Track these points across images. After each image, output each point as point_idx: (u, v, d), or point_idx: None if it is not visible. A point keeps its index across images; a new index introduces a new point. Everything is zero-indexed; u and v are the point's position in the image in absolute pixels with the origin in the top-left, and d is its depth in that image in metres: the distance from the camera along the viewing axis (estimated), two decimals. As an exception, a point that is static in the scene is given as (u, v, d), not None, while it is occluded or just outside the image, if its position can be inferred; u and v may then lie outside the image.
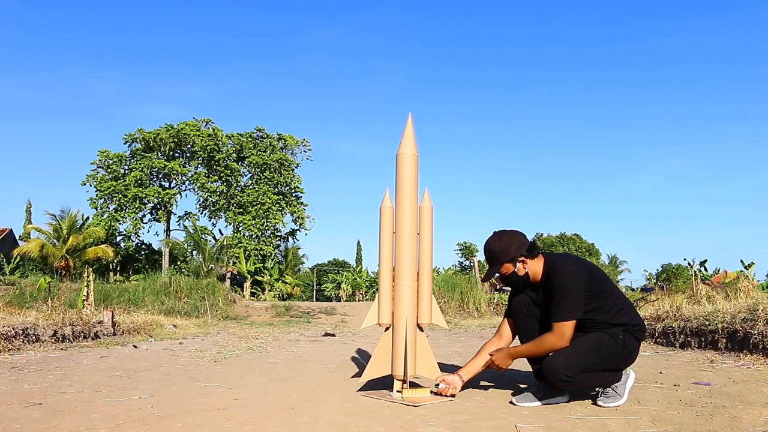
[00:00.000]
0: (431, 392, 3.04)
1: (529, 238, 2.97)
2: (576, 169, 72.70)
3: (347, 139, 72.18)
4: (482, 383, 3.48)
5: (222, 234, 35.60)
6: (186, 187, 37.33)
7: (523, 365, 4.24)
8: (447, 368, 4.10)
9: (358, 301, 34.46)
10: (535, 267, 2.91)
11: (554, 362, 2.70)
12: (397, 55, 72.54)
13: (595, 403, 2.77)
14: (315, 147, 47.78)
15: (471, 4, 73.70)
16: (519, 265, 2.89)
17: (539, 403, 2.79)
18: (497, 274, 2.94)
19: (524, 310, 2.99)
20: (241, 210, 36.04)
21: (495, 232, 2.95)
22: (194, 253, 31.27)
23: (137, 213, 35.52)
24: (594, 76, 70.62)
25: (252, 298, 28.06)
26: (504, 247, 2.88)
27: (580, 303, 2.74)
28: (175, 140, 36.15)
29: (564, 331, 2.73)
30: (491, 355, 2.95)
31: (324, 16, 69.78)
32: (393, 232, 3.18)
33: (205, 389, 3.40)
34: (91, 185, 35.48)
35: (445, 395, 2.97)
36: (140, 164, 35.25)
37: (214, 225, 37.59)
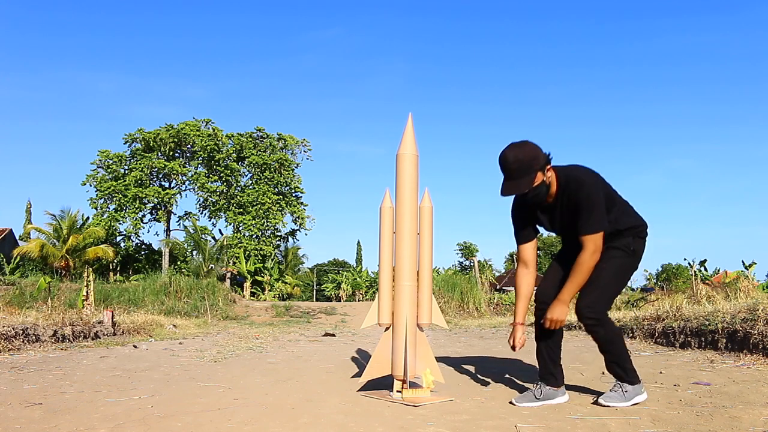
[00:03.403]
0: (430, 391, 3.04)
1: None
2: (576, 169, 72.44)
3: (347, 139, 72.06)
4: (482, 383, 3.49)
5: (222, 234, 35.57)
6: (186, 187, 37.30)
7: (523, 366, 4.25)
8: (448, 369, 4.10)
9: (358, 301, 34.44)
10: (553, 178, 2.76)
11: (578, 306, 2.71)
12: (397, 55, 72.44)
13: (596, 402, 2.77)
14: (315, 147, 47.72)
15: (471, 4, 73.69)
16: (548, 173, 2.71)
17: (539, 403, 2.79)
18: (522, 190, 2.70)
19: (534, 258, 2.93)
20: (241, 210, 36.02)
21: (512, 144, 2.71)
22: (194, 253, 31.23)
23: (137, 213, 35.48)
24: (594, 76, 70.51)
25: (252, 298, 28.05)
26: (534, 154, 2.65)
27: (605, 213, 2.69)
28: (175, 140, 36.12)
29: (597, 243, 2.67)
30: (547, 316, 2.76)
31: (324, 16, 69.69)
32: (393, 232, 3.18)
33: (205, 389, 3.40)
34: (91, 185, 35.45)
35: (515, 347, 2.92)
36: (140, 164, 35.23)
37: (214, 225, 37.58)
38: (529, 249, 2.92)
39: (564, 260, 2.91)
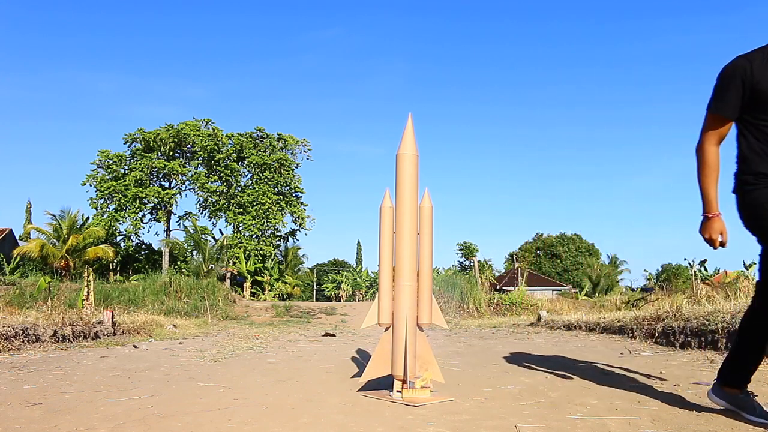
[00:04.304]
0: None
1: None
2: (576, 169, 72.76)
3: (347, 139, 72.20)
4: (482, 383, 3.48)
5: (222, 234, 35.59)
6: (186, 187, 37.31)
7: (523, 366, 4.24)
8: (448, 369, 4.10)
9: (358, 301, 34.45)
10: None
11: None
12: (397, 55, 72.61)
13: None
14: (315, 147, 47.77)
15: (471, 4, 73.74)
16: None
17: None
18: None
19: None
20: (241, 210, 36.02)
21: None
22: (194, 253, 31.26)
23: (137, 213, 35.49)
24: (594, 76, 70.64)
25: (252, 298, 28.06)
26: None
27: None
28: (175, 140, 36.13)
29: None
30: None
31: (324, 16, 69.84)
32: (393, 232, 3.18)
33: (205, 389, 3.40)
34: (91, 185, 35.46)
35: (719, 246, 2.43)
36: (140, 164, 35.23)
37: (214, 225, 37.58)
38: (729, 128, 2.44)
39: None
